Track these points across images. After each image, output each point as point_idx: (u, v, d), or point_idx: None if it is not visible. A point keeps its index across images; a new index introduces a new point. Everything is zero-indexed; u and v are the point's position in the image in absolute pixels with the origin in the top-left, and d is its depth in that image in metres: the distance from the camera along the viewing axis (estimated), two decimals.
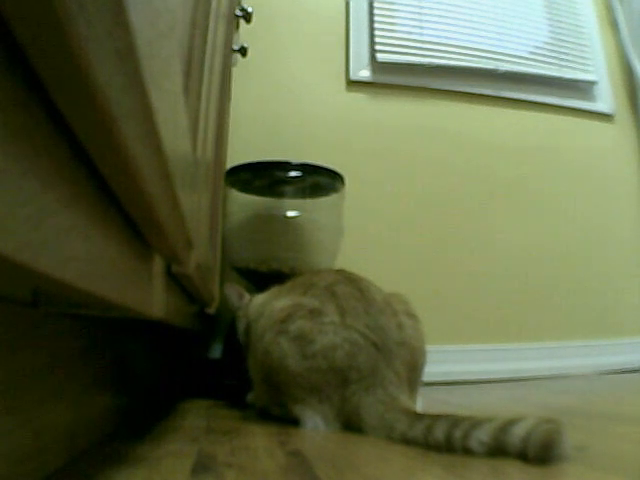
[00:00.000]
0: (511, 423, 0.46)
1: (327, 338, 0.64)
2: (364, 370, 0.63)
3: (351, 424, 0.62)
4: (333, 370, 0.63)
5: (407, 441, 0.54)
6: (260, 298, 0.81)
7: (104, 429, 0.58)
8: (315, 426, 0.64)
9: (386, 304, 0.71)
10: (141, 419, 0.71)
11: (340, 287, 0.71)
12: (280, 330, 0.67)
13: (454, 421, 0.49)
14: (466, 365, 1.40)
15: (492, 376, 1.39)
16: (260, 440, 0.57)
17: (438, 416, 0.52)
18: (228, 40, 0.83)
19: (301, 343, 0.65)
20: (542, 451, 0.43)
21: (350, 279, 0.73)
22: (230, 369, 1.04)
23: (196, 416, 0.76)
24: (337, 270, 0.77)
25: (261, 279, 1.07)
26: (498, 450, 0.46)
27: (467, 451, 0.47)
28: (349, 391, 0.63)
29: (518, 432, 0.45)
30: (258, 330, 0.72)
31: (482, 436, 0.47)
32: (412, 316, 0.73)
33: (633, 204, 1.71)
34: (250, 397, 0.83)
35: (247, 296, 0.87)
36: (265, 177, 1.19)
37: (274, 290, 0.81)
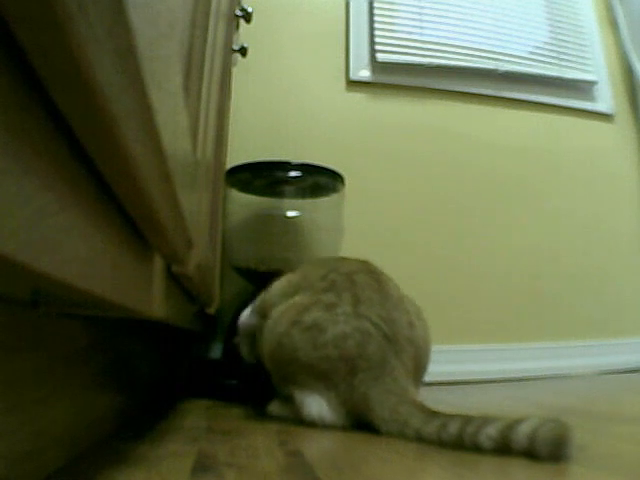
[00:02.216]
0: (519, 421, 0.47)
1: (338, 327, 0.64)
2: (373, 359, 0.63)
3: (359, 414, 0.62)
4: (343, 359, 0.63)
5: (420, 438, 0.54)
6: (278, 287, 0.80)
7: (104, 429, 0.58)
8: (319, 412, 0.64)
9: (400, 301, 0.71)
10: (141, 419, 0.71)
11: (360, 276, 0.71)
12: (294, 321, 0.67)
13: (468, 418, 0.50)
14: (466, 365, 1.40)
15: (492, 376, 1.39)
16: (260, 440, 0.57)
17: (454, 414, 0.52)
18: (228, 40, 0.83)
19: (313, 333, 0.65)
20: (551, 449, 0.44)
21: (371, 270, 0.74)
22: (230, 369, 1.04)
23: (196, 416, 0.76)
24: (361, 260, 0.78)
25: (261, 279, 1.07)
26: (504, 446, 0.46)
27: (476, 446, 0.48)
28: (357, 379, 0.62)
29: (524, 430, 0.45)
30: (273, 321, 0.71)
31: (491, 431, 0.47)
32: (422, 319, 0.73)
33: (633, 204, 1.71)
34: (273, 408, 0.75)
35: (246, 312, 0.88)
36: (265, 177, 1.19)
37: (296, 276, 0.79)
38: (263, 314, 0.79)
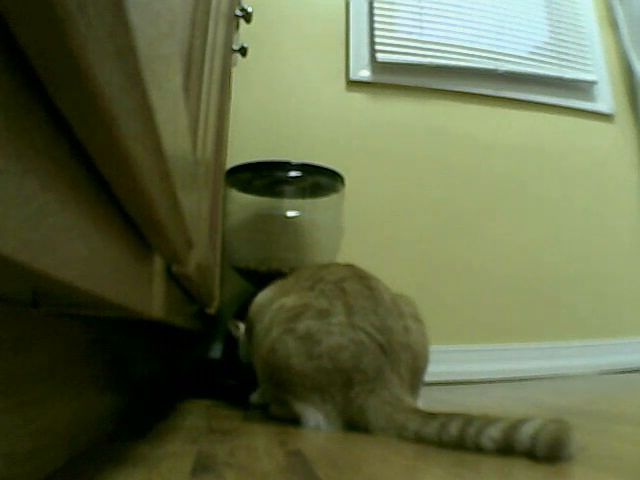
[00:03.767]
0: (522, 421, 0.46)
1: (333, 339, 0.64)
2: (369, 372, 0.63)
3: (355, 424, 0.62)
4: (338, 371, 0.63)
5: (420, 439, 0.54)
6: (264, 295, 0.81)
7: (104, 429, 0.58)
8: (317, 424, 0.64)
9: (394, 305, 0.70)
10: (141, 419, 0.71)
11: (349, 283, 0.70)
12: (287, 329, 0.67)
13: (469, 419, 0.50)
14: (466, 365, 1.40)
15: (492, 376, 1.39)
16: (260, 440, 0.57)
17: (453, 414, 0.52)
18: (228, 40, 0.83)
19: (307, 343, 0.65)
20: (550, 450, 0.44)
21: (360, 276, 0.72)
22: (230, 369, 1.04)
23: (196, 416, 0.76)
24: (346, 265, 0.76)
25: (261, 279, 1.07)
26: (507, 447, 0.46)
27: (478, 447, 0.47)
28: (353, 392, 0.62)
29: (527, 430, 0.45)
30: (264, 326, 0.71)
31: (493, 433, 0.47)
32: (418, 320, 0.72)
33: (633, 204, 1.71)
34: (254, 397, 0.83)
35: (241, 325, 0.91)
36: (265, 177, 1.19)
37: (279, 285, 0.80)
38: (251, 324, 0.80)
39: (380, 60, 1.54)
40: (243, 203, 1.21)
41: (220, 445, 0.54)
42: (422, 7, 1.64)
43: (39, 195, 0.15)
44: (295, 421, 0.66)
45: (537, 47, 1.71)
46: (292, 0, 1.56)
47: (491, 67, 1.62)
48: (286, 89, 1.49)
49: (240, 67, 1.44)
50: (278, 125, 1.46)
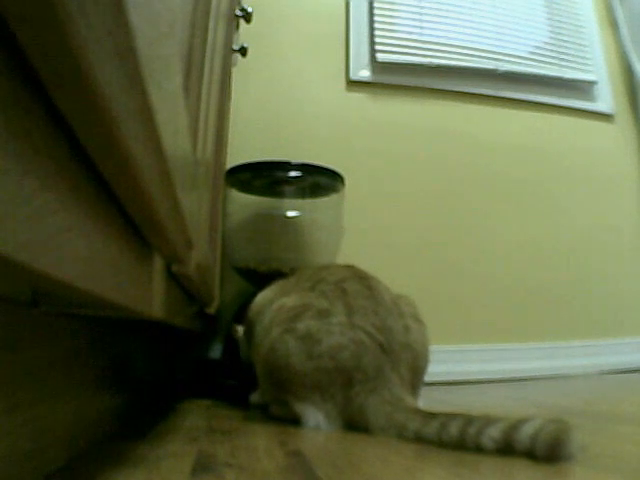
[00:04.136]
0: (522, 421, 0.46)
1: (334, 338, 0.64)
2: (369, 371, 0.63)
3: (355, 424, 0.62)
4: (338, 370, 0.63)
5: (420, 439, 0.54)
6: (264, 295, 0.81)
7: (104, 429, 0.58)
8: (317, 424, 0.64)
9: (394, 305, 0.70)
10: (141, 419, 0.71)
11: (350, 284, 0.70)
12: (288, 328, 0.67)
13: (469, 419, 0.50)
14: (466, 365, 1.40)
15: (492, 376, 1.39)
16: (260, 440, 0.57)
17: (453, 414, 0.52)
18: (228, 40, 0.83)
19: (307, 342, 0.65)
20: (549, 450, 0.44)
21: (360, 276, 0.73)
22: (230, 369, 1.04)
23: (196, 416, 0.76)
24: (346, 266, 0.77)
25: (261, 279, 1.07)
26: (507, 447, 0.46)
27: (479, 447, 0.47)
28: (353, 392, 0.63)
29: (527, 430, 0.45)
30: (265, 326, 0.71)
31: (494, 432, 0.47)
32: (418, 320, 0.73)
33: (633, 204, 1.71)
34: (254, 397, 0.83)
35: (240, 328, 0.91)
36: (265, 177, 1.19)
37: (279, 285, 0.80)
38: (251, 324, 0.80)
39: (380, 60, 1.54)
40: (243, 203, 1.21)
41: (220, 445, 0.54)
42: (422, 7, 1.64)
43: (39, 195, 0.15)
44: (295, 421, 0.66)
45: (537, 47, 1.71)
46: (292, 0, 1.56)
47: (491, 67, 1.62)
48: (286, 89, 1.49)
49: (240, 67, 1.44)
50: (278, 125, 1.46)
